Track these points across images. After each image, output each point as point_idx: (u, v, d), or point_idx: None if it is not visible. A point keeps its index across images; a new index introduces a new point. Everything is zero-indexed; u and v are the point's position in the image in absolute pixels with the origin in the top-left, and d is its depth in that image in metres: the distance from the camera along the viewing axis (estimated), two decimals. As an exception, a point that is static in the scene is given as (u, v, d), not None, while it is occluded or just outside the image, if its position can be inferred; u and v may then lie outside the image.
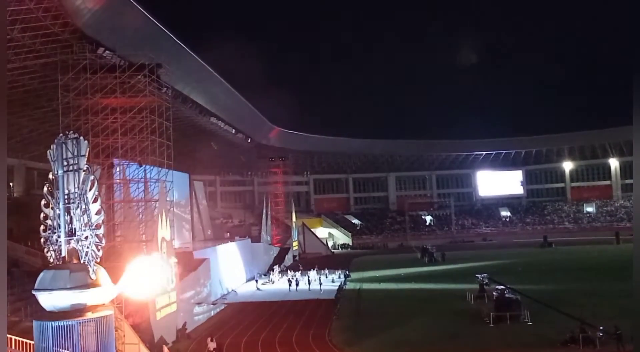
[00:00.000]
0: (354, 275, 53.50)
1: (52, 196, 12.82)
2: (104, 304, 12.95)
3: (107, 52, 30.79)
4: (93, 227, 12.66)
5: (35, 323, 12.45)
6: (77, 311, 12.32)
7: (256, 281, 49.31)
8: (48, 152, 12.87)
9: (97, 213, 12.78)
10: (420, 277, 49.83)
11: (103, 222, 12.90)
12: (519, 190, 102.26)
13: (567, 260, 58.75)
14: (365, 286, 47.27)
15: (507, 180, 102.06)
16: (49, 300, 12.37)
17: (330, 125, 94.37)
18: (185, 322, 31.83)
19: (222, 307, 39.38)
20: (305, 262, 62.07)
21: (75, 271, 12.42)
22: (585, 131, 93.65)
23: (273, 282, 50.08)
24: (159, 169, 32.14)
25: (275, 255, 65.71)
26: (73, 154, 12.68)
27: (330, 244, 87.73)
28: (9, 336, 14.78)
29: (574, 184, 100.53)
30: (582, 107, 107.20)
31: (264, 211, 67.54)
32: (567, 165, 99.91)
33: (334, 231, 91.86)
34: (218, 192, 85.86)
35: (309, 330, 30.76)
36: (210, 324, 34.12)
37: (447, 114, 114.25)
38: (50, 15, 25.57)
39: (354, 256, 74.62)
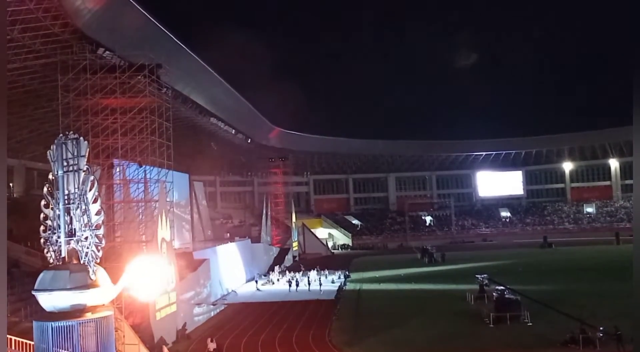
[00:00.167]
0: (354, 275, 53.49)
1: (52, 197, 12.83)
2: (103, 305, 12.96)
3: (107, 52, 30.80)
4: (93, 228, 12.68)
5: (35, 324, 12.46)
6: (77, 311, 12.33)
7: (256, 282, 49.28)
8: (48, 152, 12.88)
9: (97, 214, 12.79)
10: (420, 278, 49.81)
11: (103, 222, 12.91)
12: (519, 190, 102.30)
13: (567, 260, 58.73)
14: (365, 286, 47.26)
15: (507, 180, 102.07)
16: (48, 300, 12.38)
17: (330, 125, 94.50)
18: (185, 322, 31.80)
19: (222, 307, 39.36)
20: (305, 263, 62.04)
21: (75, 272, 12.43)
22: (585, 131, 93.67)
23: (273, 283, 50.06)
24: (159, 169, 32.13)
25: (275, 255, 65.71)
26: (73, 154, 12.70)
27: (330, 244, 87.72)
28: (9, 336, 14.77)
29: (574, 185, 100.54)
30: (582, 108, 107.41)
31: (264, 212, 67.54)
32: (567, 166, 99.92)
33: (334, 232, 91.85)
34: (218, 192, 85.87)
35: (309, 330, 30.74)
36: (210, 325, 34.09)
37: (447, 114, 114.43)
38: (50, 15, 25.56)
39: (353, 256, 74.60)
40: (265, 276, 53.49)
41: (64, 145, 12.75)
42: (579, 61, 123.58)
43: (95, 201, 12.78)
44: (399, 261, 63.94)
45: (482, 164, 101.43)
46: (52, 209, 12.82)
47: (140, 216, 31.44)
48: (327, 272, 51.81)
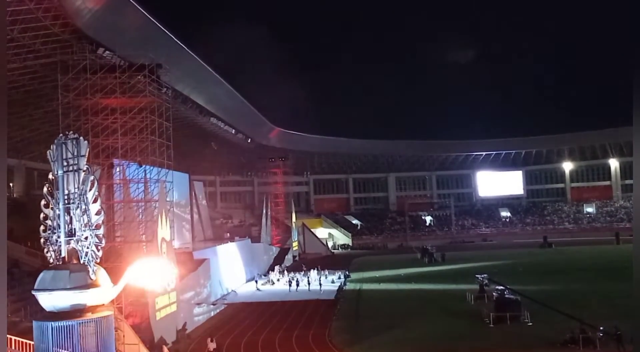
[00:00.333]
0: (354, 275, 53.47)
1: (52, 196, 12.83)
2: (103, 305, 12.95)
3: (107, 52, 30.82)
4: (93, 228, 12.68)
5: (35, 324, 12.45)
6: (77, 311, 12.33)
7: (256, 282, 49.28)
8: (48, 152, 12.89)
9: (97, 213, 12.79)
10: (420, 278, 49.80)
11: (103, 222, 12.91)
12: (519, 190, 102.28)
13: (567, 260, 58.73)
14: (365, 286, 47.25)
15: (507, 180, 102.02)
16: (49, 300, 12.37)
17: (331, 125, 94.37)
18: (185, 322, 31.80)
19: (222, 307, 39.37)
20: (305, 263, 62.05)
21: (75, 272, 12.43)
22: (585, 131, 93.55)
23: (273, 283, 50.06)
24: (159, 169, 32.14)
25: (275, 255, 65.71)
26: (73, 154, 12.70)
27: (330, 244, 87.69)
28: (9, 336, 14.76)
29: (574, 185, 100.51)
30: (582, 108, 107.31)
31: (264, 211, 67.54)
32: (567, 166, 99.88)
33: (334, 231, 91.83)
34: (218, 192, 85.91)
35: (309, 330, 30.75)
36: (210, 325, 34.09)
37: (447, 114, 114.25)
38: (50, 15, 25.58)
39: (354, 256, 74.57)
40: (265, 275, 53.51)
41: (64, 145, 12.75)
42: (579, 61, 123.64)
43: (95, 201, 12.78)
44: (399, 261, 63.92)
45: (482, 164, 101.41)
46: (52, 208, 12.82)
47: (140, 216, 31.45)
48: (327, 272, 51.81)
